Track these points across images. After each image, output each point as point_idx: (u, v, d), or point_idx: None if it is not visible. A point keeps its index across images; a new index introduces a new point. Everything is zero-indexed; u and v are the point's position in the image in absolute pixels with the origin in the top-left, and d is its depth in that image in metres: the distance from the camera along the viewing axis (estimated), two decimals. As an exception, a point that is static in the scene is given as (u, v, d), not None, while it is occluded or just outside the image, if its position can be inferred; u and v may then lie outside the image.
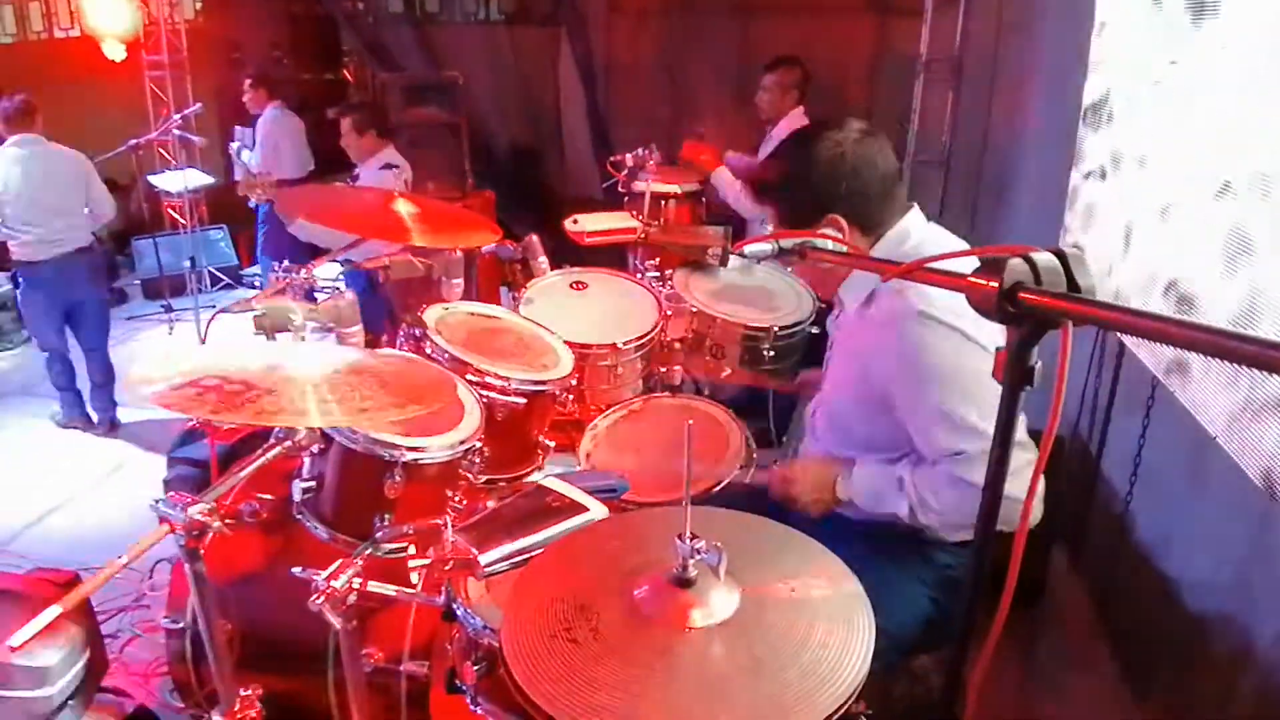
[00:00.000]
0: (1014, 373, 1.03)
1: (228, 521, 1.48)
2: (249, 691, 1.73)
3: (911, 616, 1.89)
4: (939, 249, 1.59)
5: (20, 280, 4.80)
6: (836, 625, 1.17)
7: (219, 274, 7.68)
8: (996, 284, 0.98)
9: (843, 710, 1.07)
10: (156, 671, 2.92)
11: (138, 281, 7.59)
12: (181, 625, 2.24)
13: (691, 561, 1.19)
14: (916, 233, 1.92)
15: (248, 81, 6.74)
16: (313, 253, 6.36)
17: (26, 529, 3.97)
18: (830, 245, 1.60)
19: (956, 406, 1.72)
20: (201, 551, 1.49)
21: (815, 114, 4.53)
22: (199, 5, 8.39)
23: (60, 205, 4.69)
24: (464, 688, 1.80)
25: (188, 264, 6.72)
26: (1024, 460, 1.71)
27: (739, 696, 1.07)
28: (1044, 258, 1.00)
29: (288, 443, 1.61)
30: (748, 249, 1.63)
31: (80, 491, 4.35)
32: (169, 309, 6.96)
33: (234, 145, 6.72)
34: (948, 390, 1.74)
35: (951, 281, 1.10)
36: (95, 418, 5.04)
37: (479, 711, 1.77)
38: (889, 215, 1.91)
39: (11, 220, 4.56)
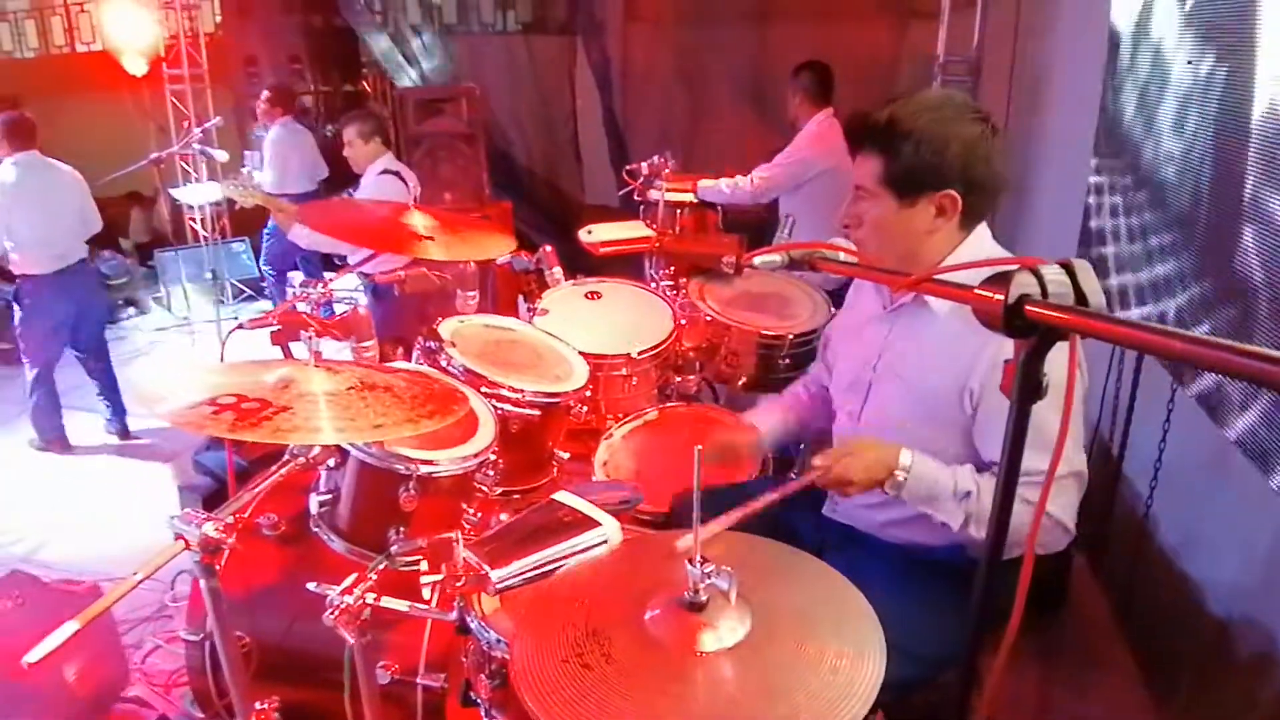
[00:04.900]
0: (1023, 387, 1.02)
1: (244, 535, 1.48)
2: (264, 705, 1.73)
3: (949, 646, 1.80)
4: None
5: (24, 294, 4.76)
6: (847, 648, 1.16)
7: (241, 286, 7.75)
8: (1002, 297, 0.98)
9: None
10: (177, 682, 2.93)
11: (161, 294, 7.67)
12: (201, 637, 2.25)
13: (702, 586, 1.19)
14: (989, 243, 1.85)
15: (265, 94, 6.77)
16: (317, 261, 6.42)
17: (50, 540, 4.00)
18: (841, 256, 1.59)
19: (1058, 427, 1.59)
20: (217, 568, 1.50)
21: (841, 117, 4.52)
22: (219, 19, 8.47)
23: (60, 221, 4.71)
24: (478, 701, 1.80)
25: (210, 276, 6.77)
26: (1069, 474, 1.67)
27: (750, 721, 1.07)
28: (1051, 270, 0.99)
29: (302, 458, 1.62)
30: (757, 260, 1.62)
31: (104, 502, 4.39)
32: (191, 321, 7.02)
33: (244, 169, 6.73)
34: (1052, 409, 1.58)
35: (958, 294, 1.09)
36: (108, 428, 5.12)
37: (494, 725, 1.78)
38: (983, 217, 1.83)
39: (15, 235, 4.57)
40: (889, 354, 1.93)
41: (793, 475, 2.75)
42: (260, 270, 7.04)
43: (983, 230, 1.84)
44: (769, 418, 2.31)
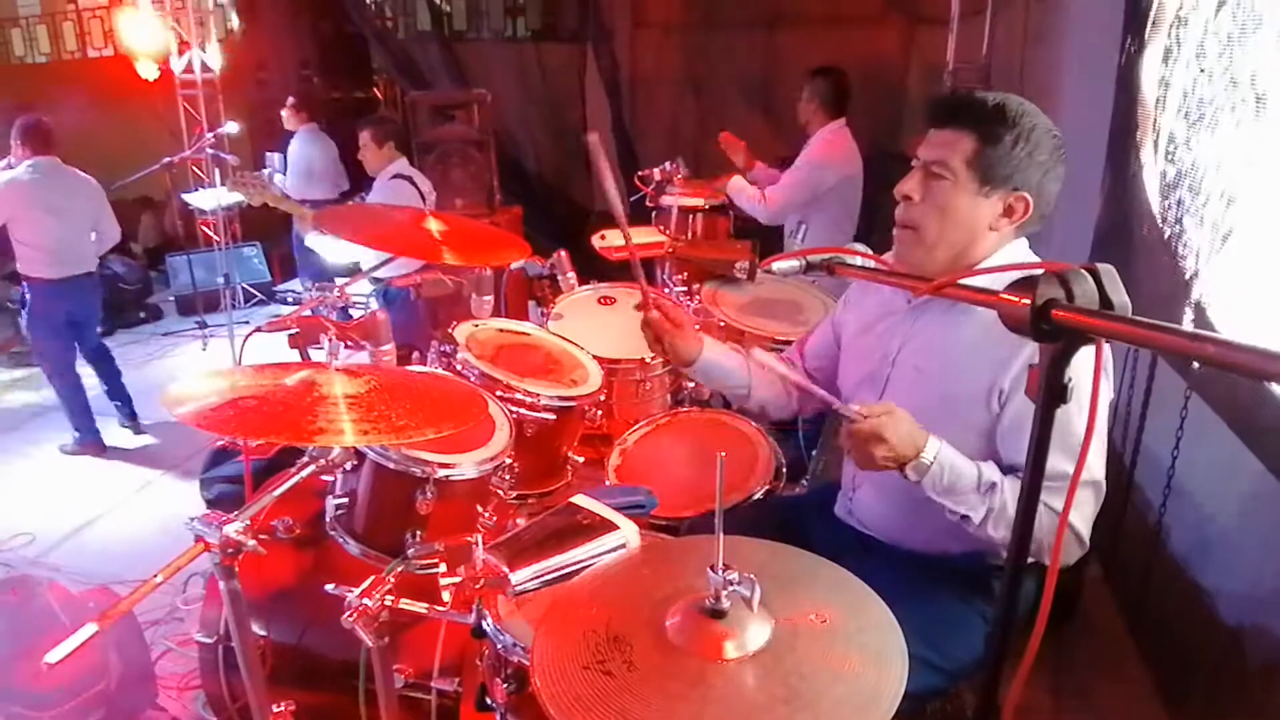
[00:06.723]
0: (1048, 390, 1.02)
1: (262, 538, 1.49)
2: (281, 708, 1.74)
3: (969, 651, 1.79)
4: None
5: (28, 296, 4.87)
6: (870, 656, 1.15)
7: (253, 290, 7.78)
8: (1029, 301, 0.98)
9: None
10: (190, 685, 2.94)
11: (172, 298, 7.71)
12: (214, 640, 2.25)
13: (724, 592, 1.18)
14: (1026, 252, 1.81)
15: (291, 100, 6.84)
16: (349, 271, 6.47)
17: (61, 542, 4.02)
18: (859, 261, 1.59)
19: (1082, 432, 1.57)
20: (237, 569, 1.50)
21: (852, 126, 4.50)
22: (231, 25, 8.50)
23: (71, 228, 4.80)
24: (494, 705, 1.80)
25: (222, 280, 6.80)
26: (1089, 483, 1.64)
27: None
28: (1077, 275, 1.00)
29: (321, 460, 1.62)
30: (775, 265, 1.62)
31: (113, 505, 4.40)
32: (203, 325, 7.06)
33: (265, 171, 6.78)
34: (1079, 412, 1.51)
35: (984, 299, 1.10)
36: (121, 422, 5.25)
37: (509, 729, 1.78)
38: (1029, 230, 1.80)
39: (24, 239, 4.67)
40: (910, 347, 1.89)
41: (805, 481, 2.75)
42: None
43: (1023, 241, 1.81)
44: (720, 348, 2.20)
